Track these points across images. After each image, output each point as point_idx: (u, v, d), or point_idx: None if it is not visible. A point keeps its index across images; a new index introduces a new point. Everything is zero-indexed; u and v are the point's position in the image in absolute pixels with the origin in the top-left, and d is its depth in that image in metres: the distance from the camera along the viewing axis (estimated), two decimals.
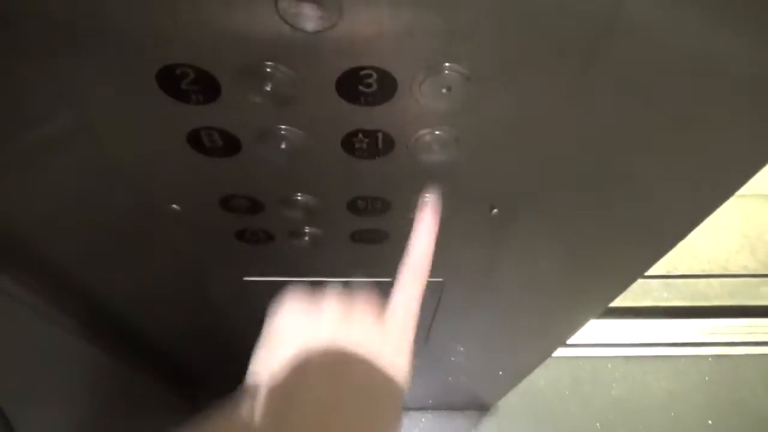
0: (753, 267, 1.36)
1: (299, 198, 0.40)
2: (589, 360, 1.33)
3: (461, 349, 0.84)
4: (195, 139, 0.34)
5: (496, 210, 0.42)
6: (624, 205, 0.44)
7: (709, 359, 1.34)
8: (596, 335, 1.34)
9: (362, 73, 0.29)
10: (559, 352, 1.32)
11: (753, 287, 1.35)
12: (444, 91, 0.30)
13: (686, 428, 1.26)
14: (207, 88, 0.29)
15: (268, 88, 0.29)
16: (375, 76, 0.29)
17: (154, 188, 0.40)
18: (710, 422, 1.27)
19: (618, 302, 1.33)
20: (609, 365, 1.32)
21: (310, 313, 0.34)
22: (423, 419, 1.27)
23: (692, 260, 1.33)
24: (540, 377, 1.28)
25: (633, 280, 0.60)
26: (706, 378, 1.32)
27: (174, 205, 0.41)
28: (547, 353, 0.87)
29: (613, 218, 0.46)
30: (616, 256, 0.53)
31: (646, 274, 1.45)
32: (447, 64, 0.28)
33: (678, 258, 1.34)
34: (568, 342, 1.32)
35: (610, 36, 0.28)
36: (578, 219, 0.46)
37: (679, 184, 0.42)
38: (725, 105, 0.33)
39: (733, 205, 1.40)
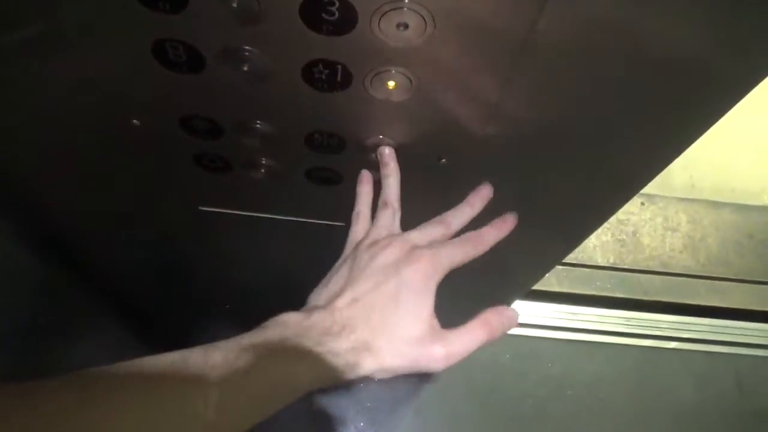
0: (694, 268, 1.44)
1: (258, 126, 0.42)
2: (531, 339, 1.39)
3: None
4: (160, 51, 0.35)
5: (444, 160, 0.44)
6: (549, 185, 0.48)
7: (642, 350, 1.42)
8: (538, 317, 1.40)
9: None
10: None
11: (691, 287, 1.43)
12: (401, 28, 0.32)
13: (612, 411, 1.34)
14: None
15: (235, 4, 0.31)
16: (337, 4, 0.30)
17: (118, 101, 0.41)
18: (635, 408, 1.35)
19: (563, 288, 1.40)
20: (548, 346, 1.38)
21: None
22: (361, 384, 1.30)
23: (638, 254, 1.39)
24: (482, 351, 1.33)
25: (551, 266, 0.65)
26: (637, 367, 1.40)
27: (134, 120, 0.42)
28: None
29: (543, 193, 0.50)
30: (539, 238, 0.57)
31: (593, 263, 1.48)
32: (406, 0, 0.30)
33: (626, 252, 1.40)
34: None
35: None
36: (515, 183, 0.48)
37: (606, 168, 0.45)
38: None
39: (681, 208, 1.47)
